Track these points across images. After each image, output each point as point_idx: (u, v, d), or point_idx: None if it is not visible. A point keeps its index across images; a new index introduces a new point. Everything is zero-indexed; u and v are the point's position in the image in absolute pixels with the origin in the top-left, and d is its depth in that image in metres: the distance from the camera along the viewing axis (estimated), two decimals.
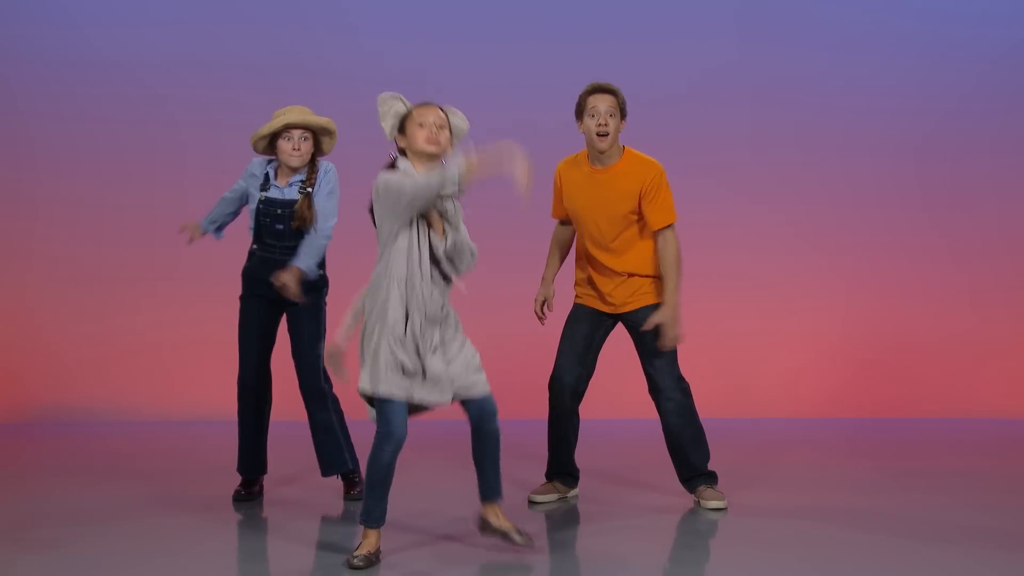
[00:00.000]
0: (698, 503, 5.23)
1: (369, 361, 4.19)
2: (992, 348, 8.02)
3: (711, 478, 5.27)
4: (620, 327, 5.36)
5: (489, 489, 4.46)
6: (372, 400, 4.27)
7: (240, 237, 5.46)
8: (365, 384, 4.19)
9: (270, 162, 5.35)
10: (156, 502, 5.32)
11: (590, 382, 5.34)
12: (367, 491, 4.27)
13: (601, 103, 5.12)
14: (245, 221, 5.47)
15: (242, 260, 5.41)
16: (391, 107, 4.34)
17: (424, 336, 4.21)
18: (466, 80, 7.48)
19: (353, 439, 5.45)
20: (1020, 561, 4.33)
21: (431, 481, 5.77)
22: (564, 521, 5.07)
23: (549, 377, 5.32)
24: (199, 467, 6.18)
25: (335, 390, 5.40)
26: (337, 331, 4.36)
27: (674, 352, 5.21)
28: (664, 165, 5.21)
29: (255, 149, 5.31)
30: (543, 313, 5.45)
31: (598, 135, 5.12)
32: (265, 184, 5.30)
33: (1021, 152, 8.08)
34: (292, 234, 5.27)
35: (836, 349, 8.02)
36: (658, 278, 5.27)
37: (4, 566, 4.29)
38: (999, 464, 6.35)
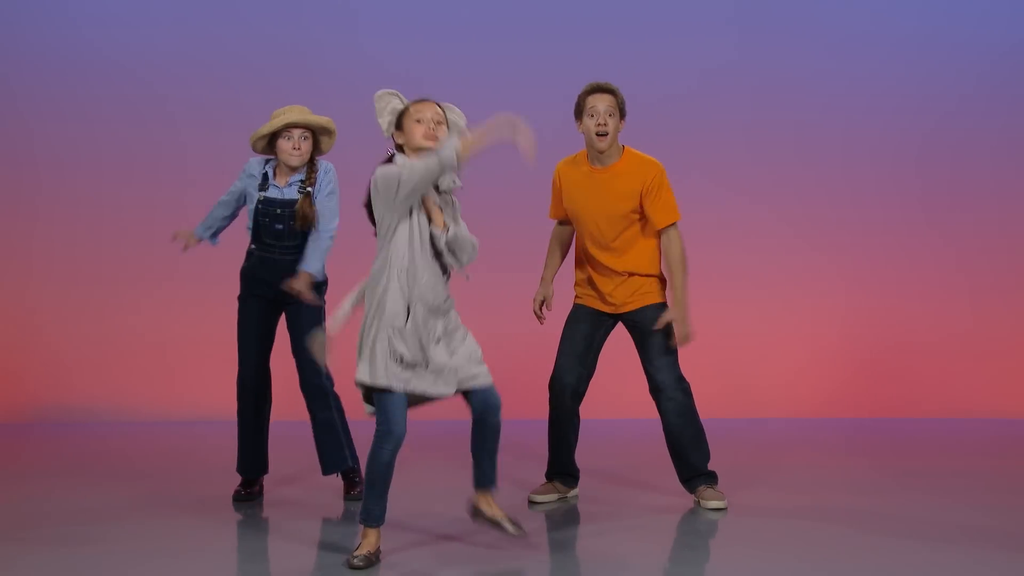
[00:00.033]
0: (698, 503, 5.23)
1: (367, 353, 4.19)
2: (992, 348, 8.01)
3: (711, 478, 5.27)
4: (620, 327, 5.36)
5: (484, 477, 4.45)
6: (369, 395, 4.26)
7: (239, 237, 5.46)
8: (364, 376, 4.18)
9: (268, 162, 5.35)
10: (156, 502, 5.32)
11: (590, 382, 5.34)
12: (366, 490, 4.27)
13: (600, 103, 5.12)
14: (242, 221, 5.48)
15: (241, 260, 5.41)
16: (388, 103, 4.35)
17: (427, 327, 4.21)
18: (466, 80, 7.48)
19: (354, 438, 5.45)
20: (1020, 561, 4.32)
21: (431, 481, 5.77)
22: (564, 521, 5.07)
23: (549, 377, 5.32)
24: (199, 467, 6.18)
25: (336, 388, 5.40)
26: (330, 318, 4.38)
27: (675, 352, 5.21)
28: (664, 165, 5.21)
29: (254, 149, 5.31)
30: (542, 313, 5.45)
31: (597, 135, 5.12)
32: (264, 184, 5.30)
33: (1021, 152, 8.07)
34: (291, 234, 5.27)
35: (836, 349, 8.02)
36: (659, 277, 5.28)
37: (4, 566, 4.29)
38: (999, 464, 6.35)
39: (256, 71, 7.82)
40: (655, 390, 5.21)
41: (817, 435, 7.29)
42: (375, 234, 4.36)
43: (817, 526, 4.87)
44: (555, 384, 5.29)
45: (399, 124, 4.33)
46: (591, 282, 5.30)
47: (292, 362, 5.52)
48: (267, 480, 5.56)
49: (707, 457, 5.28)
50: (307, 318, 5.27)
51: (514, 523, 4.45)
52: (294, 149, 5.22)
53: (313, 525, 4.94)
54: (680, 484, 5.32)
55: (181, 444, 6.98)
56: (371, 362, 4.17)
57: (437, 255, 4.28)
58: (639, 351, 5.26)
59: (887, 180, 8.06)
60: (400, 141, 4.33)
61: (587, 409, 5.39)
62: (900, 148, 8.06)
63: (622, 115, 5.16)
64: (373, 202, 4.27)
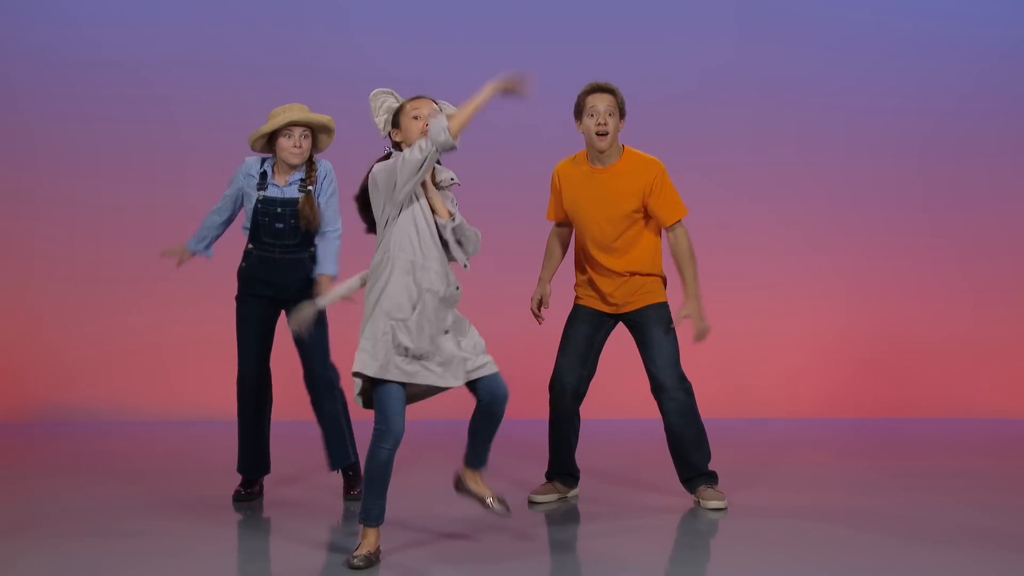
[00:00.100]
0: (698, 503, 5.23)
1: (369, 346, 4.17)
2: (992, 348, 8.01)
3: (711, 478, 5.26)
4: (620, 327, 5.36)
5: (476, 458, 4.44)
6: (365, 391, 4.25)
7: (238, 237, 5.45)
8: (365, 368, 4.15)
9: (265, 161, 5.35)
10: (156, 502, 5.32)
11: (591, 383, 5.34)
12: (365, 489, 4.27)
13: (600, 102, 5.12)
14: (238, 221, 5.47)
15: (240, 258, 5.40)
16: (383, 102, 4.36)
17: (438, 317, 4.21)
18: (465, 80, 7.43)
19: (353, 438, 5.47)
20: (1020, 561, 4.32)
21: (431, 481, 5.76)
22: (564, 521, 5.07)
23: (550, 378, 5.32)
24: (199, 467, 6.18)
25: (338, 384, 5.40)
26: (324, 295, 4.39)
27: (676, 351, 5.21)
28: (664, 165, 5.21)
29: (253, 148, 5.31)
30: (540, 312, 5.45)
31: (597, 134, 5.12)
32: (263, 183, 5.30)
33: (1021, 152, 8.07)
34: (292, 232, 5.28)
35: (836, 349, 8.01)
36: (660, 277, 5.28)
37: (4, 566, 4.29)
38: (999, 464, 6.35)
39: (256, 71, 7.82)
40: (657, 390, 5.21)
41: (817, 435, 7.29)
42: (366, 231, 4.38)
43: (817, 526, 4.87)
44: (555, 384, 5.29)
45: (395, 122, 4.34)
46: (591, 283, 5.30)
47: (292, 362, 5.52)
48: (267, 480, 5.56)
49: (708, 457, 5.28)
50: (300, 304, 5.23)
51: (500, 501, 4.44)
52: (295, 147, 5.23)
53: (313, 525, 4.94)
54: (680, 484, 5.31)
55: (181, 444, 6.98)
56: (373, 355, 4.16)
57: (444, 246, 4.28)
58: (641, 351, 5.26)
59: (887, 180, 8.06)
60: (397, 139, 4.33)
61: (587, 409, 5.39)
62: (900, 148, 8.06)
63: (622, 115, 5.16)
64: (371, 197, 4.28)
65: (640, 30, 7.97)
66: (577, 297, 5.39)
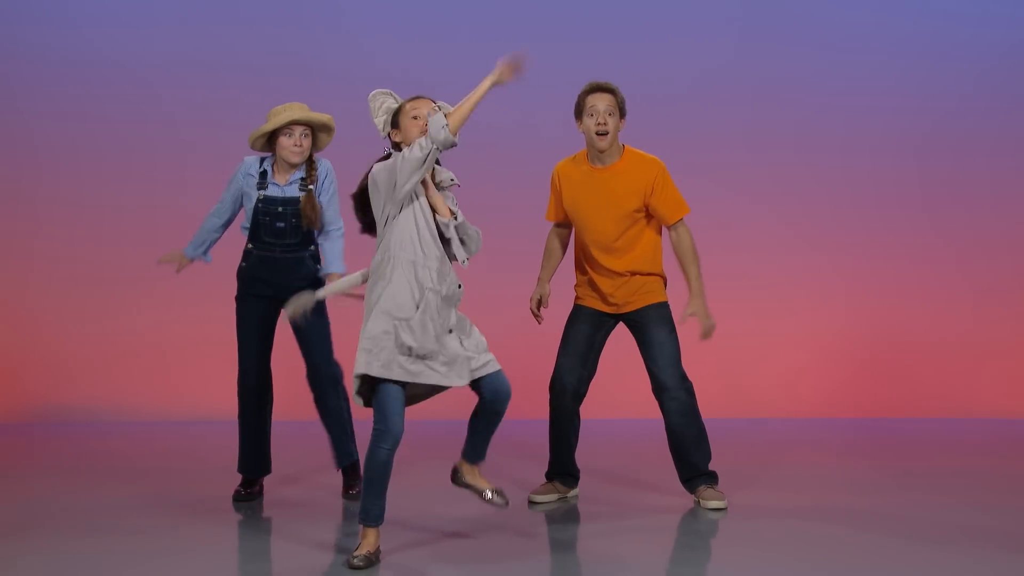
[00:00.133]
0: (698, 503, 5.23)
1: (371, 345, 4.16)
2: (992, 348, 8.01)
3: (711, 478, 5.26)
4: (620, 326, 5.36)
5: (475, 452, 4.46)
6: (362, 389, 4.25)
7: (238, 237, 5.45)
8: (367, 368, 4.14)
9: (264, 160, 5.35)
10: (156, 502, 5.32)
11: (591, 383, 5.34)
12: (365, 489, 4.27)
13: (600, 102, 5.12)
14: (237, 221, 5.47)
15: (239, 258, 5.40)
16: (382, 103, 4.37)
17: (441, 316, 4.21)
18: (465, 80, 7.43)
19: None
20: (1020, 561, 4.32)
21: (430, 481, 5.76)
22: (564, 521, 5.07)
23: (550, 378, 5.32)
24: (199, 467, 6.18)
25: (342, 381, 5.41)
26: (325, 288, 4.41)
27: (678, 351, 5.21)
28: (664, 164, 5.21)
29: (253, 147, 5.32)
30: (539, 312, 5.45)
31: (597, 134, 5.12)
32: (263, 182, 5.30)
33: (1021, 152, 8.07)
34: (293, 231, 5.28)
35: (836, 349, 8.01)
36: (660, 276, 5.28)
37: (4, 566, 4.29)
38: (999, 464, 6.35)
39: (256, 71, 7.82)
40: (658, 389, 5.21)
41: (817, 435, 7.29)
42: (360, 230, 4.39)
43: (817, 526, 4.87)
44: (556, 385, 5.29)
45: (395, 123, 4.34)
46: (592, 283, 5.30)
47: (291, 361, 5.52)
48: (267, 480, 5.56)
49: (708, 457, 5.28)
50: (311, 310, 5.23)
51: (498, 492, 4.46)
52: (295, 146, 5.24)
53: (313, 525, 4.93)
54: (680, 484, 5.31)
55: (181, 444, 6.98)
56: (376, 355, 4.15)
57: (445, 245, 4.28)
58: (642, 351, 5.26)
59: (887, 180, 8.06)
60: (397, 139, 4.33)
61: (587, 409, 5.39)
62: (900, 148, 8.06)
63: (622, 114, 5.16)
64: (371, 196, 4.28)
65: (640, 30, 7.97)
66: (577, 297, 5.39)
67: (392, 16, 7.99)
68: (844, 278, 8.04)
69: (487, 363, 4.31)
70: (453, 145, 4.18)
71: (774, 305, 8.00)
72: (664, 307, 5.25)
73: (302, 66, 7.80)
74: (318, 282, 5.31)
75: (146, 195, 7.86)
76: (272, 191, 5.29)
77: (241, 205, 5.38)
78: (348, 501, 5.37)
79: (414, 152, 4.16)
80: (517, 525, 4.89)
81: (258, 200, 5.28)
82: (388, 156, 4.32)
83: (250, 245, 5.34)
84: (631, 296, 5.23)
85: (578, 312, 5.35)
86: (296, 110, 5.23)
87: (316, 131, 5.31)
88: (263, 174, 5.31)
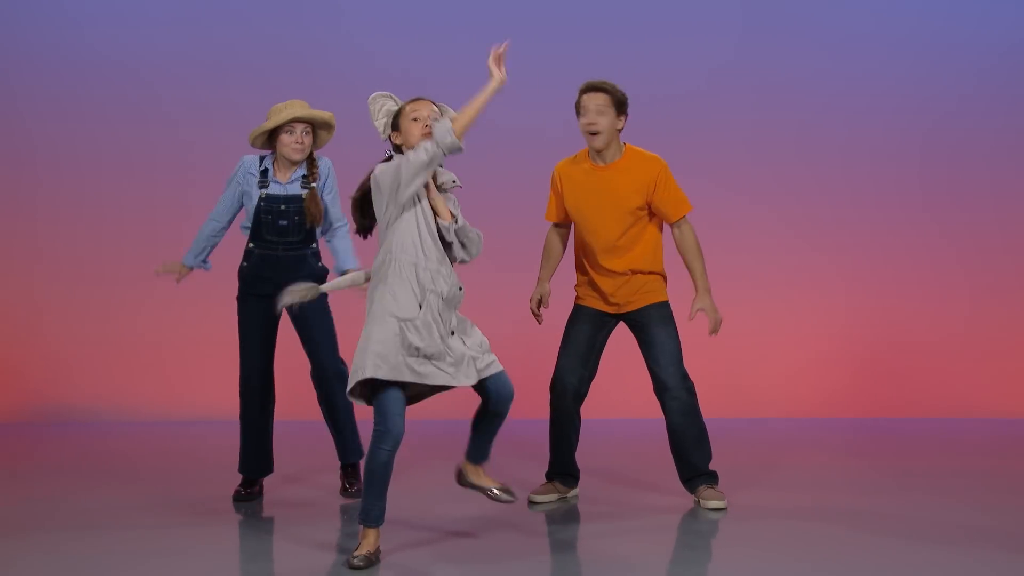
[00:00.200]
0: (698, 503, 5.23)
1: (380, 348, 4.15)
2: (992, 348, 8.01)
3: (712, 478, 5.26)
4: (620, 326, 5.36)
5: (479, 453, 4.48)
6: (366, 392, 4.25)
7: (238, 236, 5.44)
8: (376, 371, 4.12)
9: (264, 158, 5.35)
10: (157, 502, 5.32)
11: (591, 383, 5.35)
12: (365, 490, 4.27)
13: (591, 101, 5.12)
14: (237, 221, 5.46)
15: (240, 258, 5.40)
16: (382, 105, 4.37)
17: (443, 318, 4.22)
18: (465, 80, 7.44)
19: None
20: (1020, 561, 4.32)
21: (431, 481, 5.77)
22: (564, 521, 5.07)
23: (551, 378, 5.32)
24: (199, 467, 6.18)
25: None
26: (328, 283, 4.42)
27: (679, 351, 5.21)
28: (666, 162, 5.21)
29: (253, 145, 5.32)
30: (539, 312, 5.45)
31: (589, 133, 5.13)
32: (264, 181, 5.30)
33: (1021, 152, 8.07)
34: (295, 229, 5.28)
35: (836, 349, 8.01)
36: (660, 275, 5.28)
37: (4, 566, 4.29)
38: (999, 464, 6.35)
39: (256, 71, 7.82)
40: (660, 389, 5.21)
41: (817, 435, 7.29)
42: (356, 230, 4.39)
43: (817, 526, 4.87)
44: (556, 385, 5.29)
45: (395, 125, 4.34)
46: (592, 283, 5.30)
47: (290, 362, 5.52)
48: (268, 480, 5.55)
49: (708, 457, 5.28)
50: (312, 309, 5.24)
51: (504, 489, 4.47)
52: (296, 143, 5.24)
53: (313, 525, 4.94)
54: (680, 484, 5.31)
55: (181, 444, 6.98)
56: (384, 357, 4.15)
57: (446, 247, 4.29)
58: (643, 351, 5.26)
59: (887, 180, 8.06)
60: (398, 142, 4.33)
61: (587, 409, 5.39)
62: (900, 148, 8.06)
63: (620, 112, 5.14)
64: (374, 198, 4.28)
65: (641, 30, 7.97)
66: (578, 297, 5.39)
67: (392, 16, 7.99)
68: (844, 278, 8.04)
69: (491, 363, 4.31)
70: (459, 150, 4.18)
71: (774, 305, 8.00)
72: (665, 306, 5.26)
73: (302, 66, 7.80)
74: (320, 280, 5.32)
75: (146, 195, 7.86)
76: (274, 189, 5.29)
77: (242, 205, 5.38)
78: (348, 500, 5.36)
79: (419, 155, 4.16)
80: (517, 525, 4.89)
81: (260, 199, 5.28)
82: (390, 158, 4.32)
83: (251, 244, 5.33)
84: (632, 296, 5.23)
85: (578, 312, 5.35)
86: (297, 107, 5.24)
87: (317, 128, 5.32)
88: (264, 172, 5.31)
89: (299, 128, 5.24)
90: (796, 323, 8.01)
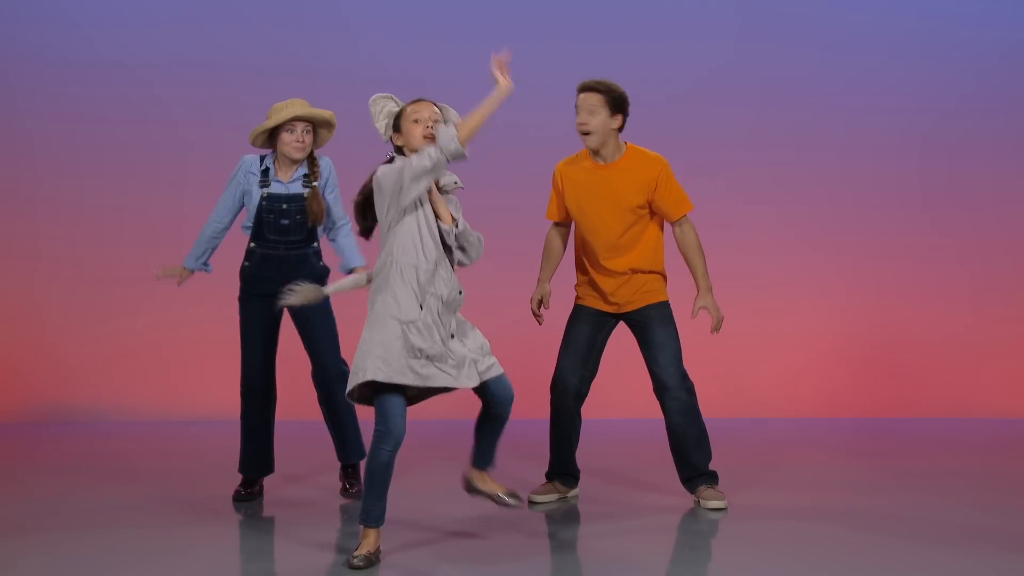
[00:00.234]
0: (698, 503, 5.23)
1: (382, 350, 4.15)
2: (992, 348, 8.01)
3: (712, 478, 5.26)
4: (620, 326, 5.36)
5: (484, 459, 4.48)
6: (368, 393, 4.25)
7: (239, 236, 5.44)
8: (377, 374, 4.13)
9: (264, 158, 5.35)
10: (157, 502, 5.32)
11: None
12: (366, 490, 4.27)
13: (584, 101, 5.13)
14: (238, 221, 5.46)
15: (242, 258, 5.39)
16: (383, 107, 4.36)
17: (442, 321, 4.22)
18: (465, 80, 7.43)
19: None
20: (1020, 561, 4.32)
21: (431, 481, 5.77)
22: (564, 521, 5.07)
23: (551, 378, 5.31)
24: (199, 467, 6.18)
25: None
26: (331, 284, 4.41)
27: (679, 351, 5.22)
28: (667, 161, 5.22)
29: (254, 144, 5.32)
30: (540, 313, 5.45)
31: (582, 133, 5.13)
32: (265, 180, 5.30)
33: (1021, 152, 8.07)
34: (298, 228, 5.28)
35: (836, 349, 8.01)
36: (660, 275, 5.28)
37: (4, 566, 4.29)
38: (999, 464, 6.35)
39: (256, 71, 7.82)
40: (660, 389, 5.21)
41: (817, 435, 7.29)
42: (359, 232, 4.39)
43: (817, 526, 4.87)
44: (557, 385, 5.29)
45: (396, 126, 4.33)
46: (592, 283, 5.30)
47: (290, 362, 5.51)
48: (268, 480, 5.55)
49: (708, 457, 5.28)
50: (314, 309, 5.24)
51: (511, 494, 4.48)
52: (297, 142, 5.24)
53: (314, 525, 4.94)
54: (680, 484, 5.31)
55: (181, 444, 6.98)
56: (386, 360, 4.14)
57: (446, 250, 4.29)
58: (643, 351, 5.26)
59: (887, 180, 8.06)
60: (399, 143, 4.33)
61: (587, 409, 5.39)
62: (900, 148, 8.06)
63: (615, 110, 5.13)
64: (376, 200, 4.27)
65: (640, 30, 7.97)
66: (578, 297, 5.39)
67: (392, 16, 7.99)
68: (844, 278, 8.04)
69: (492, 366, 4.32)
70: (462, 157, 4.18)
71: (774, 305, 8.00)
72: (665, 306, 5.26)
73: (302, 66, 7.80)
74: (322, 279, 5.33)
75: (146, 195, 7.86)
76: (276, 188, 5.29)
77: (243, 205, 5.38)
78: (348, 501, 5.36)
79: (422, 161, 4.15)
80: (517, 525, 4.89)
81: (261, 198, 5.28)
82: (391, 160, 4.31)
83: (253, 244, 5.33)
84: (632, 296, 5.23)
85: (579, 312, 5.35)
86: (298, 106, 5.24)
87: (317, 127, 5.32)
88: (265, 171, 5.31)
89: (300, 127, 5.25)
90: (796, 323, 8.01)
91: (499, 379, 4.33)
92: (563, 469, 5.40)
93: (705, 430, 5.26)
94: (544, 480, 5.45)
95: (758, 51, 8.00)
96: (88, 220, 7.88)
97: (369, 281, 4.38)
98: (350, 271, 5.41)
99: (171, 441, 7.08)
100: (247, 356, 5.35)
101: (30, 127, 7.87)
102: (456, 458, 6.28)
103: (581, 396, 5.29)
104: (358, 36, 7.94)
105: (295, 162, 5.30)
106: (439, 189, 4.34)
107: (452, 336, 4.26)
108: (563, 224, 5.42)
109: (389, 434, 4.18)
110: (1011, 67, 8.04)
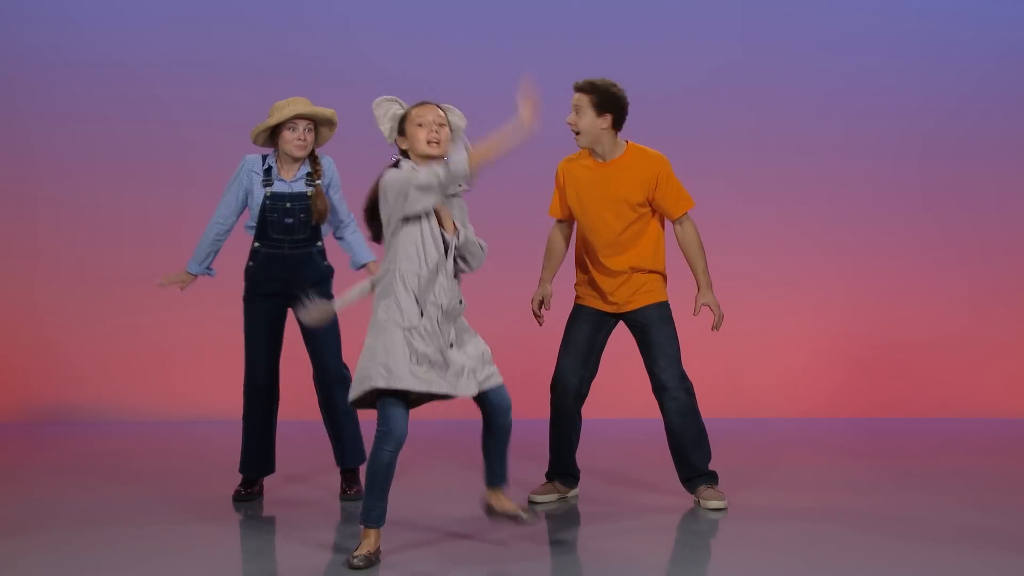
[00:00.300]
0: (698, 503, 5.23)
1: (383, 357, 4.16)
2: (991, 348, 8.01)
3: (711, 478, 5.26)
4: (620, 326, 5.36)
5: (495, 477, 4.47)
6: (372, 399, 4.25)
7: (241, 236, 5.44)
8: (378, 380, 4.13)
9: (266, 157, 5.35)
10: (157, 502, 5.32)
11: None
12: (367, 491, 4.27)
13: (574, 101, 5.15)
14: (241, 221, 5.46)
15: (243, 258, 5.39)
16: (387, 110, 4.34)
17: (442, 331, 4.21)
18: (465, 80, 7.47)
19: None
20: (1020, 561, 4.32)
21: (431, 481, 5.77)
22: (564, 521, 5.07)
23: (551, 378, 5.31)
24: (200, 467, 6.18)
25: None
26: (338, 298, 4.40)
27: (678, 351, 5.22)
28: (668, 160, 5.22)
29: (255, 142, 5.32)
30: (540, 313, 5.45)
31: (573, 133, 5.14)
32: (268, 179, 5.30)
33: (1021, 152, 8.08)
34: (302, 227, 5.28)
35: (836, 349, 8.02)
36: (660, 274, 5.28)
37: (4, 566, 4.29)
38: (999, 464, 6.35)
39: (256, 71, 7.82)
40: (659, 389, 5.21)
41: (817, 435, 7.29)
42: (371, 238, 4.37)
43: (817, 526, 4.87)
44: (557, 385, 5.29)
45: (401, 130, 4.32)
46: (592, 282, 5.30)
47: (290, 362, 5.51)
48: (268, 479, 5.55)
49: (708, 457, 5.27)
50: (313, 299, 5.23)
51: (527, 511, 4.49)
52: (299, 140, 5.24)
53: (314, 525, 4.93)
54: (680, 484, 5.31)
55: (182, 444, 6.98)
56: (388, 366, 4.14)
57: (448, 258, 4.28)
58: (642, 351, 5.26)
59: (887, 180, 8.06)
60: (404, 147, 4.31)
61: (587, 409, 5.39)
62: (900, 148, 8.06)
63: (602, 110, 5.11)
64: (380, 206, 4.25)
65: (641, 30, 7.98)
66: (578, 297, 5.39)
67: (392, 16, 7.99)
68: (844, 278, 8.04)
69: (491, 376, 4.32)
70: (469, 184, 4.18)
71: (774, 305, 8.00)
72: (664, 307, 5.25)
73: (302, 66, 7.80)
74: (327, 278, 5.34)
75: (146, 195, 7.86)
76: (279, 187, 5.28)
77: (246, 205, 5.37)
78: (346, 501, 5.36)
79: (429, 179, 4.12)
80: (517, 525, 4.89)
81: (265, 197, 5.27)
82: (396, 163, 4.29)
83: (257, 243, 5.32)
84: (631, 295, 5.23)
85: (579, 312, 5.35)
86: (300, 104, 5.24)
87: (319, 126, 5.32)
88: (267, 170, 5.30)
89: (301, 125, 5.25)
90: (796, 323, 8.01)
91: (498, 389, 4.33)
92: (563, 469, 5.40)
93: (704, 430, 5.26)
94: (544, 480, 5.45)
95: (759, 51, 8.00)
96: (88, 220, 7.88)
97: (373, 288, 4.37)
98: (361, 267, 5.46)
99: (171, 441, 7.08)
100: (251, 356, 5.35)
101: (30, 127, 7.87)
102: (456, 458, 6.29)
103: (581, 396, 5.29)
104: (358, 36, 7.94)
105: (297, 160, 5.29)
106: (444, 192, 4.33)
107: (451, 345, 4.25)
108: (566, 222, 5.42)
109: (390, 434, 4.18)
110: (1011, 67, 8.04)
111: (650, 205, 5.21)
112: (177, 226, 7.39)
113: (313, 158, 5.33)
